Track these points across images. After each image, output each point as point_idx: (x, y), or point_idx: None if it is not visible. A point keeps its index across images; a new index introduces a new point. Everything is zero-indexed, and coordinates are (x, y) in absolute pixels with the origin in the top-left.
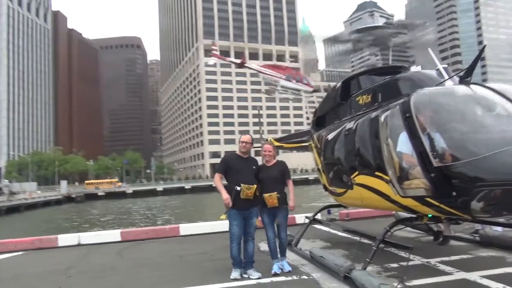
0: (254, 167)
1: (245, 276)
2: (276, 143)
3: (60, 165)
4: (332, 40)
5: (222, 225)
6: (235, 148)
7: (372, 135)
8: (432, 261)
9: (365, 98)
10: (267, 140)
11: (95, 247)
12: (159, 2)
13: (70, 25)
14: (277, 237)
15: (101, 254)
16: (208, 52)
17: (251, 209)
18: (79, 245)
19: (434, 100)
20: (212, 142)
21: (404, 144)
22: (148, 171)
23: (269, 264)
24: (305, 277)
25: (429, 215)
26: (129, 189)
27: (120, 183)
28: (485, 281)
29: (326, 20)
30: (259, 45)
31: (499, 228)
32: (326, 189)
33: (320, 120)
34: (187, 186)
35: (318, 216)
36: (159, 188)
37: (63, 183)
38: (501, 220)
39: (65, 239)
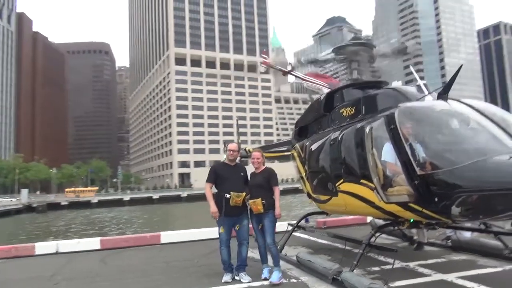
0: (242, 174)
1: (237, 279)
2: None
3: (21, 173)
4: (313, 62)
5: (203, 233)
6: (204, 157)
7: (358, 145)
8: (411, 264)
9: (349, 110)
10: (245, 150)
11: (75, 255)
12: (129, 8)
13: (35, 28)
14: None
15: (83, 262)
16: (179, 61)
17: (241, 215)
18: (57, 253)
19: (417, 114)
20: (181, 151)
21: (389, 154)
22: (114, 180)
23: (260, 269)
24: (294, 280)
25: (411, 220)
26: (94, 199)
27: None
28: (460, 281)
29: (296, 32)
30: (231, 55)
31: (468, 234)
32: (309, 196)
33: (303, 131)
34: (155, 196)
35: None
36: (126, 197)
37: (24, 191)
38: (472, 225)
39: (43, 247)
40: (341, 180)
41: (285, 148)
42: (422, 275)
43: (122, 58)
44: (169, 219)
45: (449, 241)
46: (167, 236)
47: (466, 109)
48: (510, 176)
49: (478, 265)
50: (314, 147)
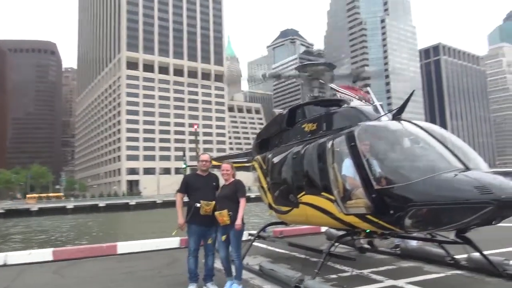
0: (214, 184)
1: None
2: (214, 162)
3: None
4: (277, 77)
5: (162, 243)
6: (155, 165)
7: (320, 159)
8: (365, 271)
9: (311, 126)
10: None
11: (26, 267)
12: (79, 8)
13: None
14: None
15: (36, 274)
16: (130, 65)
17: (211, 226)
18: (5, 265)
19: (375, 133)
20: (130, 157)
21: (348, 169)
22: (57, 186)
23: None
24: None
25: (367, 230)
26: (35, 207)
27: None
28: (409, 287)
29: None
30: (185, 61)
31: (414, 243)
32: (270, 207)
33: (264, 143)
34: (101, 203)
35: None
36: (70, 205)
37: None
38: (420, 235)
39: None
40: (303, 192)
41: (246, 159)
42: (375, 281)
43: (69, 59)
44: (118, 228)
45: (398, 249)
46: (124, 246)
47: (417, 130)
48: (454, 192)
49: (424, 271)
50: (276, 159)
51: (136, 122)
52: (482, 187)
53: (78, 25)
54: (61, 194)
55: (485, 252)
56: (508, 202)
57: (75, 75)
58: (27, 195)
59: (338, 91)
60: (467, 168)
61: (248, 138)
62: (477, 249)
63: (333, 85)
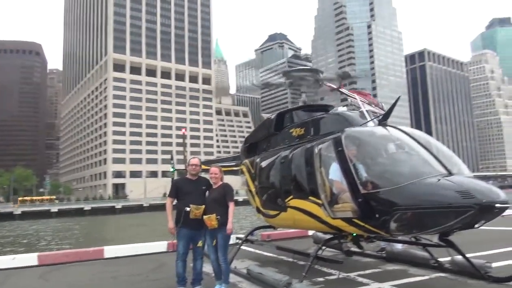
0: (204, 188)
1: None
2: (202, 166)
3: None
4: (266, 85)
5: (148, 247)
6: (141, 168)
7: (308, 164)
8: (351, 274)
9: (298, 130)
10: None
11: (10, 272)
12: (65, 9)
13: None
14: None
15: (21, 279)
16: (117, 67)
17: (200, 230)
18: None
19: (361, 138)
20: (116, 160)
21: (336, 173)
22: (41, 190)
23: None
24: None
25: (354, 234)
26: (18, 210)
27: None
28: None
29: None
30: (172, 64)
31: (399, 246)
32: (258, 211)
33: (252, 147)
34: (87, 207)
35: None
36: (54, 209)
37: None
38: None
39: None
40: (291, 196)
41: (234, 163)
42: (362, 284)
43: (54, 60)
44: (104, 232)
45: (384, 252)
46: (110, 251)
47: (402, 135)
48: (438, 196)
49: (409, 274)
50: (264, 164)
51: (122, 124)
52: (464, 192)
53: (64, 26)
54: (54, 197)
55: (468, 255)
56: (489, 206)
57: (60, 77)
58: (19, 198)
59: (348, 96)
60: (450, 173)
61: (235, 142)
62: (460, 252)
63: (344, 90)
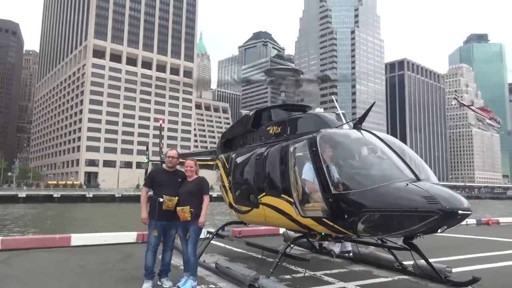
0: (180, 180)
1: (159, 284)
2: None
3: None
4: (246, 81)
5: (117, 237)
6: (116, 157)
7: (282, 162)
8: (318, 273)
9: (275, 129)
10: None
11: None
12: None
13: None
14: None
15: None
16: (97, 53)
17: (172, 221)
18: None
19: (335, 140)
20: (90, 149)
21: (308, 173)
22: (9, 174)
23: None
24: (212, 286)
25: (323, 233)
26: None
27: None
28: None
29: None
30: (154, 55)
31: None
32: (231, 206)
33: (228, 143)
34: (56, 194)
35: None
36: (22, 194)
37: None
38: (371, 240)
39: None
40: (263, 193)
41: (209, 158)
42: (327, 283)
43: (31, 41)
44: (73, 220)
45: (351, 253)
46: (78, 239)
47: (375, 140)
48: (404, 200)
49: (373, 275)
50: (239, 160)
51: (99, 112)
52: (429, 197)
53: (44, 6)
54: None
55: (431, 260)
56: (452, 213)
57: (36, 59)
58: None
59: (475, 111)
60: (418, 179)
61: (213, 137)
62: (422, 256)
63: (473, 107)
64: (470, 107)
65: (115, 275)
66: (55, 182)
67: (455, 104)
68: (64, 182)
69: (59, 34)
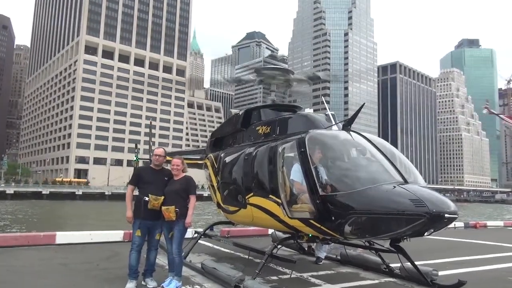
0: (166, 179)
1: (143, 284)
2: (167, 157)
3: None
4: (237, 81)
5: (102, 235)
6: (106, 155)
7: (270, 162)
8: (305, 275)
9: (264, 128)
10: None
11: None
12: None
13: None
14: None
15: None
16: (89, 49)
17: (157, 220)
18: None
19: (324, 141)
20: (80, 146)
21: (296, 174)
22: None
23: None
24: (197, 286)
25: (310, 235)
26: None
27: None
28: None
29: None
30: (147, 52)
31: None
32: (219, 206)
33: (218, 142)
34: (45, 191)
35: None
36: (9, 190)
37: None
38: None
39: None
40: (251, 194)
41: (199, 157)
42: (314, 284)
43: (23, 35)
44: (60, 218)
45: (338, 255)
46: (63, 237)
47: (364, 141)
48: (392, 203)
49: (360, 277)
50: (228, 159)
51: (90, 109)
52: (417, 200)
53: (36, 1)
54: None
55: (417, 262)
56: (439, 216)
57: (27, 54)
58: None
59: (504, 119)
60: (406, 182)
61: (205, 136)
62: (408, 259)
63: (502, 116)
64: (500, 115)
65: (99, 274)
66: (59, 179)
67: (486, 113)
68: (69, 180)
69: (51, 29)
